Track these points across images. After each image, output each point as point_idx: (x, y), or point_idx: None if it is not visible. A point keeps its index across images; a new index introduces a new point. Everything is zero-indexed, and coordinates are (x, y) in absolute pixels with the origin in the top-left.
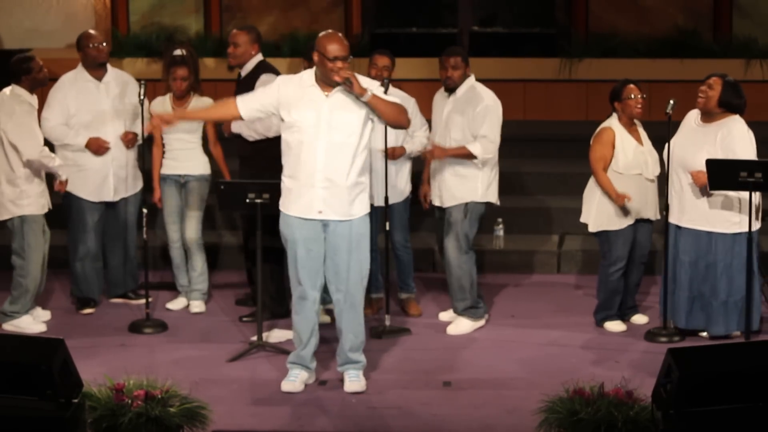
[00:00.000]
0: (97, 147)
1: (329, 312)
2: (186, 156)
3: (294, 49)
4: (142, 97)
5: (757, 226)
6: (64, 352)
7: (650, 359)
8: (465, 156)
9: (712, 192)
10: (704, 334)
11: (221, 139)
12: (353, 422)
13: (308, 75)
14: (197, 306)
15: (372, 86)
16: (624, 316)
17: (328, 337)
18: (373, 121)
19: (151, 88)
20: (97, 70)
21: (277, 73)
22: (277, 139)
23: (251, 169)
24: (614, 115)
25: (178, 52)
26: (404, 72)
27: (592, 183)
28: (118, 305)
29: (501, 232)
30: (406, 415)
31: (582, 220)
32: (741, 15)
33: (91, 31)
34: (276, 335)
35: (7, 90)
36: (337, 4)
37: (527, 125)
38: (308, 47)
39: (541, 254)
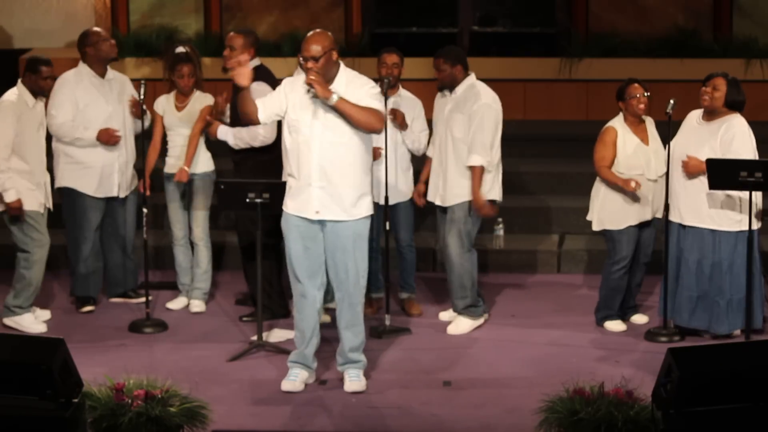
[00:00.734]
0: (108, 137)
1: (330, 312)
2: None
3: (294, 49)
4: (142, 96)
5: (757, 225)
6: (64, 352)
7: (650, 359)
8: (481, 175)
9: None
10: (706, 335)
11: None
12: (353, 422)
13: None
14: (197, 305)
15: (358, 86)
16: (624, 316)
17: (329, 336)
18: None
19: (151, 88)
20: (101, 67)
21: (272, 79)
22: (263, 148)
23: (242, 174)
24: (620, 115)
25: (181, 49)
26: (404, 72)
27: (597, 182)
28: (118, 305)
29: (501, 232)
30: (406, 415)
31: (587, 218)
32: (741, 15)
33: (97, 29)
34: (276, 335)
35: (8, 92)
36: (337, 4)
37: (527, 125)
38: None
39: (542, 254)
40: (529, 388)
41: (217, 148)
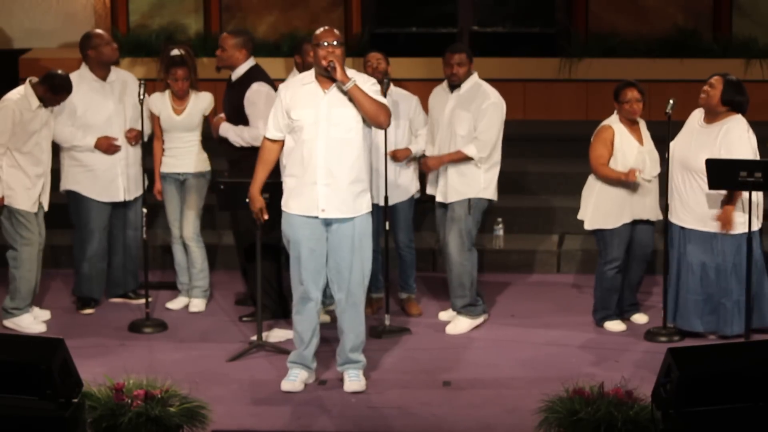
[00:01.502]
0: (107, 146)
1: (329, 312)
2: (185, 154)
3: (294, 49)
4: (141, 96)
5: (757, 225)
6: (64, 352)
7: (650, 359)
8: (461, 159)
9: (715, 193)
10: (712, 336)
11: (210, 139)
12: (353, 422)
13: (308, 74)
14: (197, 305)
15: (362, 81)
16: (624, 314)
17: (329, 336)
18: None
19: (151, 88)
20: (102, 70)
21: (269, 80)
22: None
23: (240, 172)
24: (615, 114)
25: (176, 51)
26: (404, 72)
27: (590, 181)
28: (118, 305)
29: (501, 232)
30: (406, 415)
31: (579, 217)
32: (741, 15)
33: (99, 31)
34: (276, 335)
35: (14, 90)
36: (337, 4)
37: (527, 125)
38: (297, 43)
39: (541, 254)
40: (528, 388)
41: (215, 148)
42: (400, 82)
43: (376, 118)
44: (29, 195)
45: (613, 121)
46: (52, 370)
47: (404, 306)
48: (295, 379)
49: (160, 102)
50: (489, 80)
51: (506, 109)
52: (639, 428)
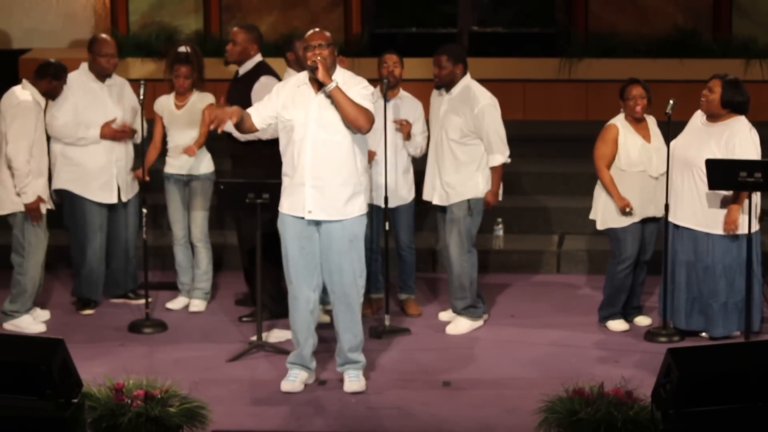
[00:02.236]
0: (113, 133)
1: (329, 312)
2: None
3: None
4: (141, 96)
5: (756, 227)
6: (64, 352)
7: (650, 359)
8: (499, 171)
9: (711, 193)
10: (704, 334)
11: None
12: (353, 422)
13: (303, 75)
14: (197, 305)
15: (352, 84)
16: (628, 317)
17: (328, 337)
18: None
19: (151, 88)
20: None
21: (276, 75)
22: (270, 141)
23: (243, 168)
24: (621, 112)
25: (182, 49)
26: (404, 72)
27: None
28: (118, 305)
29: (501, 232)
30: (405, 415)
31: (590, 217)
32: (741, 15)
33: (106, 37)
34: (276, 335)
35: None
36: (336, 4)
37: (527, 125)
38: (283, 42)
39: (541, 254)
40: (528, 389)
41: (218, 149)
42: (406, 84)
43: (355, 121)
44: (42, 193)
45: (618, 120)
46: (52, 370)
47: (404, 306)
48: (295, 380)
49: (164, 101)
50: (489, 80)
51: (506, 109)
52: (639, 428)
